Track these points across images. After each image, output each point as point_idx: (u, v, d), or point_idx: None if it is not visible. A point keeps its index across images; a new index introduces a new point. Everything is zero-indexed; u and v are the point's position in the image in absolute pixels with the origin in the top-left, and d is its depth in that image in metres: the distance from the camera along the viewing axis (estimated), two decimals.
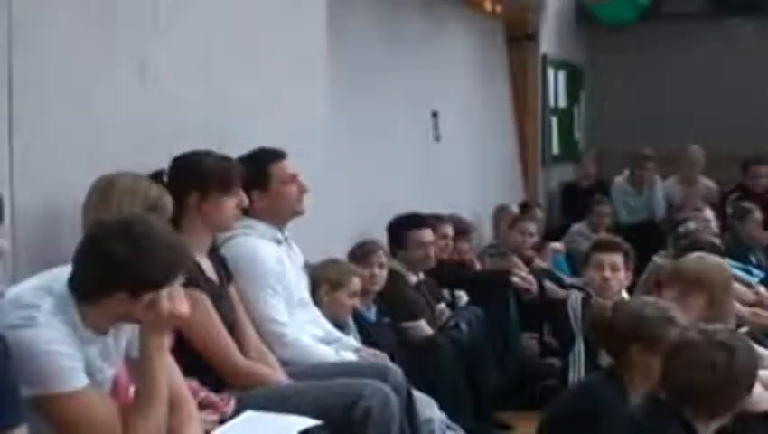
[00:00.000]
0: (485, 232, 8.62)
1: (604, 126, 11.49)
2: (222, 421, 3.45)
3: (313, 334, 4.43)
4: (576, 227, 9.21)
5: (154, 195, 3.54)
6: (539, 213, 8.91)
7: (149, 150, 4.02)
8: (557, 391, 5.35)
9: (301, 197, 4.44)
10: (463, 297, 6.54)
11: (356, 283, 5.03)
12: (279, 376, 3.99)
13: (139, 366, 2.97)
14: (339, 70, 5.98)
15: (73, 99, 3.73)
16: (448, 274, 6.61)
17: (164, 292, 2.88)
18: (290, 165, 4.43)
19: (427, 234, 6.15)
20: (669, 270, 4.71)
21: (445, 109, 8.13)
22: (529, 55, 10.10)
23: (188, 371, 3.36)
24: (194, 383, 3.55)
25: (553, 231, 9.33)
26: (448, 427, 4.86)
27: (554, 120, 10.64)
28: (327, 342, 4.47)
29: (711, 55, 11.08)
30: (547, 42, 10.36)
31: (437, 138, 8.01)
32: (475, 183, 8.76)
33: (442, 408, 4.87)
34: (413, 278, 6.12)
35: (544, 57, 10.28)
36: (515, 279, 6.91)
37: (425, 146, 7.83)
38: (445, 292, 6.50)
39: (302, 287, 4.54)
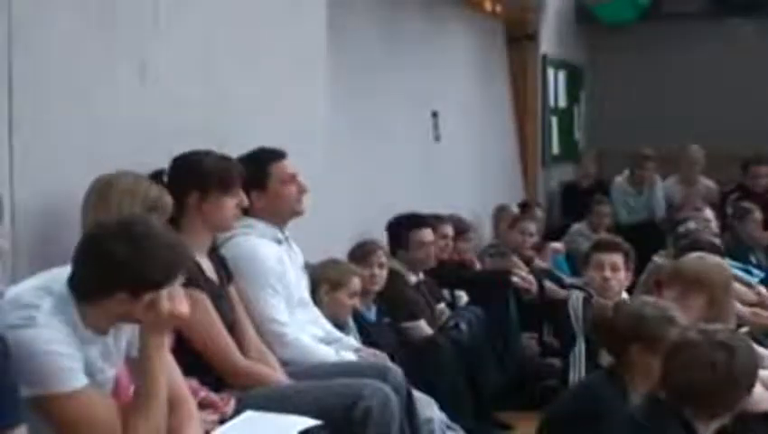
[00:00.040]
0: (485, 232, 8.62)
1: (604, 126, 11.49)
2: (222, 421, 3.44)
3: (313, 334, 4.42)
4: (576, 227, 9.21)
5: (154, 195, 3.54)
6: (539, 213, 8.91)
7: (149, 150, 4.02)
8: (558, 391, 5.35)
9: (300, 197, 4.44)
10: (463, 297, 6.54)
11: (356, 283, 5.03)
12: (279, 376, 3.99)
13: (139, 366, 2.97)
14: (339, 70, 5.98)
15: (73, 99, 3.72)
16: (448, 274, 6.61)
17: (164, 292, 2.88)
18: (290, 164, 4.43)
19: (427, 234, 6.15)
20: (670, 270, 4.71)
21: (445, 109, 8.13)
22: (529, 55, 10.10)
23: (188, 371, 3.36)
24: (194, 383, 3.55)
25: (553, 231, 9.33)
26: (448, 427, 4.86)
27: (554, 120, 10.64)
28: (327, 342, 4.47)
29: (711, 55, 11.08)
30: (547, 42, 10.36)
31: (437, 138, 8.01)
32: (475, 184, 8.76)
33: (442, 408, 4.87)
34: (413, 278, 6.12)
35: (544, 57, 10.28)
36: (515, 279, 6.91)
37: (425, 146, 7.83)
38: (445, 292, 6.50)
39: (302, 286, 4.54)
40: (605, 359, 4.14)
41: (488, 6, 9.04)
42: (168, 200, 3.58)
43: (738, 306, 5.06)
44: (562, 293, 6.68)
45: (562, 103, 10.92)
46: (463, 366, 5.56)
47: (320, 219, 5.05)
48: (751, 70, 10.94)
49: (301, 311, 4.46)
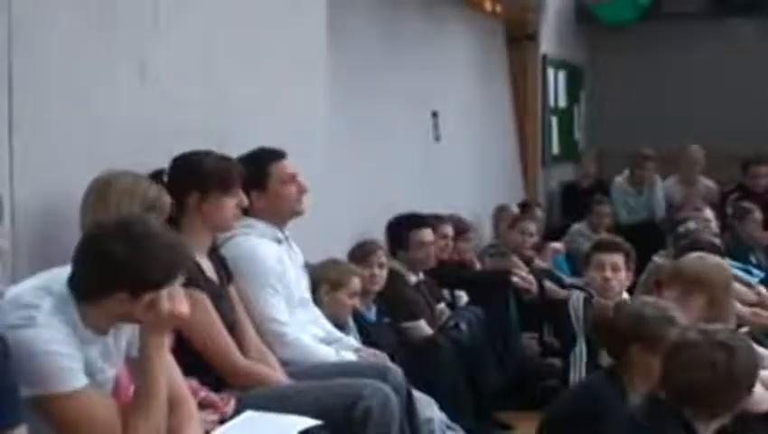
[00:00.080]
0: (485, 232, 8.62)
1: (604, 126, 11.49)
2: (222, 421, 3.44)
3: (313, 334, 4.42)
4: (576, 227, 9.21)
5: (153, 195, 3.54)
6: (539, 213, 8.91)
7: (149, 150, 4.02)
8: (558, 391, 5.35)
9: (300, 197, 4.44)
10: (463, 297, 6.53)
11: (356, 283, 5.03)
12: (279, 376, 3.98)
13: (139, 366, 2.97)
14: (339, 70, 5.97)
15: (73, 99, 3.72)
16: (448, 274, 6.61)
17: (164, 292, 2.88)
18: (290, 164, 4.43)
19: (427, 234, 6.15)
20: (670, 270, 4.71)
21: (445, 109, 8.13)
22: (529, 55, 10.10)
23: (188, 371, 3.36)
24: (194, 383, 3.55)
25: (553, 231, 9.33)
26: (448, 427, 4.86)
27: (554, 120, 10.64)
28: (327, 342, 4.47)
29: (711, 55, 11.08)
30: (547, 42, 10.36)
31: (437, 138, 8.01)
32: (475, 184, 8.76)
33: (442, 408, 4.87)
34: (413, 278, 6.12)
35: (544, 57, 10.28)
36: (515, 279, 6.91)
37: (425, 146, 7.83)
38: (445, 292, 6.50)
39: (302, 286, 4.53)
40: (606, 359, 4.14)
41: (488, 6, 9.04)
42: (167, 199, 3.58)
43: (738, 306, 5.06)
44: (562, 293, 6.68)
45: (562, 103, 10.92)
46: (463, 366, 5.56)
47: (320, 219, 5.05)
48: (751, 70, 10.93)
49: (301, 311, 4.46)
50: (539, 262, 7.89)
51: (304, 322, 4.43)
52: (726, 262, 5.15)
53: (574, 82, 11.30)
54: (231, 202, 3.94)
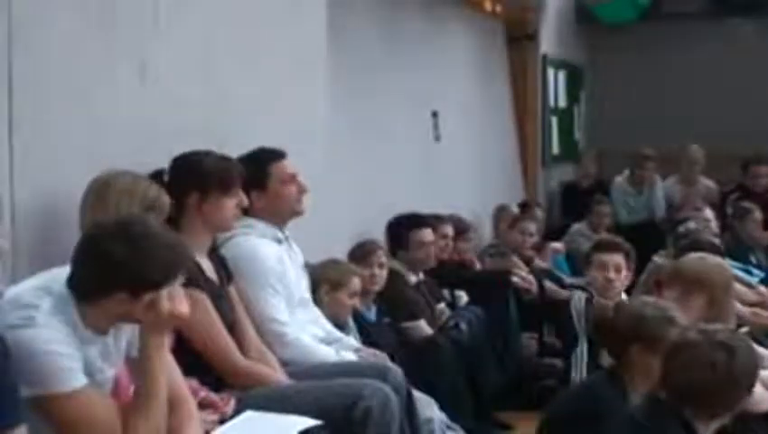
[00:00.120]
0: (485, 232, 8.62)
1: (604, 126, 11.49)
2: (222, 421, 3.44)
3: (313, 334, 4.42)
4: (576, 227, 9.21)
5: (153, 195, 3.53)
6: (539, 213, 8.91)
7: (149, 150, 4.02)
8: (556, 391, 5.35)
9: (300, 197, 4.44)
10: (463, 297, 6.53)
11: (356, 283, 5.03)
12: (279, 376, 3.98)
13: (139, 366, 2.97)
14: (339, 70, 5.97)
15: (73, 99, 3.72)
16: (448, 274, 6.61)
17: (164, 292, 2.88)
18: (289, 164, 4.43)
19: (428, 234, 6.15)
20: (670, 270, 4.71)
21: (445, 109, 8.13)
22: (529, 55, 10.10)
23: (188, 371, 3.36)
24: (194, 383, 3.55)
25: (553, 231, 9.34)
26: (448, 427, 4.86)
27: (554, 120, 10.64)
28: (327, 342, 4.47)
29: (711, 55, 11.08)
30: (547, 42, 10.36)
31: (437, 138, 8.01)
32: (475, 184, 8.76)
33: (442, 408, 4.87)
34: (413, 278, 6.12)
35: (544, 57, 10.28)
36: (515, 279, 6.90)
37: (425, 146, 7.83)
38: (445, 292, 6.50)
39: (302, 286, 4.53)
40: (607, 360, 4.14)
41: (488, 6, 9.04)
42: (166, 199, 3.58)
43: (738, 306, 5.06)
44: (562, 293, 6.69)
45: (562, 103, 10.92)
46: (463, 366, 5.56)
47: (320, 219, 5.05)
48: (751, 70, 10.93)
49: (301, 311, 4.46)
50: (539, 262, 7.89)
51: (304, 322, 4.43)
52: (727, 262, 5.15)
53: (574, 82, 11.30)
54: (231, 203, 3.94)
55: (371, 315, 5.50)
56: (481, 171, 8.92)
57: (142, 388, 2.94)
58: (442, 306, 6.28)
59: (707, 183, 10.08)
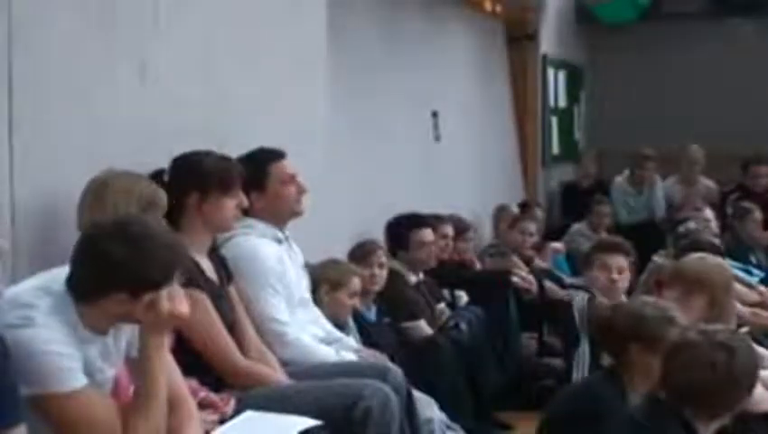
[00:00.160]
0: (485, 232, 8.62)
1: (604, 126, 11.49)
2: (222, 421, 3.44)
3: (313, 334, 4.42)
4: (576, 227, 9.21)
5: (149, 194, 3.53)
6: (539, 213, 8.91)
7: (149, 150, 4.02)
8: (555, 391, 5.35)
9: (300, 198, 4.44)
10: (463, 297, 6.53)
11: (356, 283, 5.03)
12: (279, 376, 3.98)
13: (138, 366, 2.97)
14: (339, 70, 5.97)
15: (73, 99, 3.72)
16: (448, 274, 6.61)
17: (164, 292, 2.88)
18: (289, 165, 4.42)
19: (428, 234, 6.15)
20: (671, 271, 4.71)
21: (445, 109, 8.13)
22: (529, 55, 10.10)
23: (188, 371, 3.36)
24: (194, 383, 3.54)
25: (553, 231, 9.34)
26: (448, 427, 4.86)
27: (554, 120, 10.64)
28: (327, 342, 4.47)
29: (711, 55, 11.08)
30: (547, 42, 10.36)
31: (437, 138, 8.02)
32: (475, 184, 8.76)
33: (442, 408, 4.87)
34: (413, 278, 6.12)
35: (544, 57, 10.27)
36: (515, 279, 6.90)
37: (425, 146, 7.83)
38: (445, 292, 6.50)
39: (302, 286, 4.53)
40: (608, 360, 4.13)
41: (488, 6, 9.04)
42: (162, 196, 3.57)
43: (738, 306, 5.06)
44: (562, 293, 6.68)
45: (562, 103, 10.92)
46: (463, 366, 5.56)
47: (320, 219, 5.05)
48: (751, 70, 10.93)
49: (301, 311, 4.45)
50: (539, 262, 7.89)
51: (304, 322, 4.43)
52: (727, 262, 5.15)
53: (574, 82, 11.30)
54: (231, 203, 3.93)
55: (371, 315, 5.50)
56: (481, 171, 8.92)
57: (142, 388, 2.94)
58: (442, 306, 6.28)
59: (707, 183, 10.08)
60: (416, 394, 4.39)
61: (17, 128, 3.41)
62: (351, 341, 4.74)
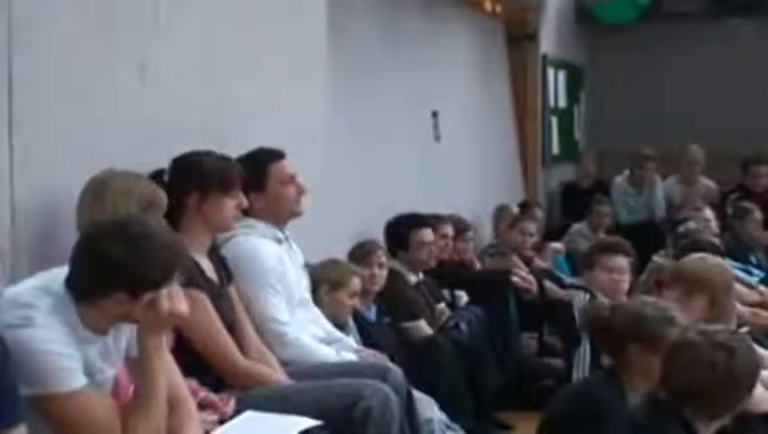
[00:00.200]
0: (485, 232, 8.62)
1: (604, 126, 11.49)
2: (222, 421, 3.44)
3: (313, 334, 4.42)
4: (576, 227, 9.21)
5: (149, 193, 3.53)
6: (539, 213, 8.91)
7: (149, 150, 4.02)
8: (555, 391, 5.34)
9: (299, 198, 4.44)
10: (463, 297, 6.53)
11: (356, 283, 5.03)
12: (279, 376, 3.98)
13: (138, 366, 2.97)
14: (339, 70, 5.97)
15: (73, 99, 3.72)
16: (448, 274, 6.61)
17: (164, 292, 2.88)
18: (289, 165, 4.42)
19: (428, 234, 6.15)
20: (671, 271, 4.71)
21: (445, 109, 8.13)
22: (529, 55, 10.10)
23: (188, 371, 3.36)
24: (194, 383, 3.54)
25: (553, 231, 9.34)
26: (448, 427, 4.86)
27: (554, 120, 10.64)
28: (328, 342, 4.47)
29: (711, 55, 11.08)
30: (547, 42, 10.36)
31: (437, 138, 8.02)
32: (475, 184, 8.76)
33: (442, 408, 4.87)
34: (413, 278, 6.12)
35: (544, 57, 10.28)
36: (515, 279, 6.90)
37: (425, 146, 7.83)
38: (445, 292, 6.50)
39: (302, 286, 4.53)
40: (608, 360, 4.13)
41: (488, 6, 9.04)
42: (161, 195, 3.57)
43: (738, 306, 5.06)
44: (562, 293, 6.68)
45: (562, 103, 10.92)
46: (463, 366, 5.56)
47: (320, 219, 5.05)
48: (751, 70, 10.93)
49: (301, 311, 4.45)
50: (539, 262, 7.89)
51: (304, 322, 4.43)
52: (727, 262, 5.15)
53: (574, 82, 11.30)
54: (231, 203, 3.93)
55: (371, 315, 5.50)
56: (481, 171, 8.92)
57: (141, 388, 2.94)
58: (442, 306, 6.28)
59: (707, 183, 10.08)
60: (416, 394, 4.39)
61: (17, 128, 3.41)
62: (351, 341, 4.74)
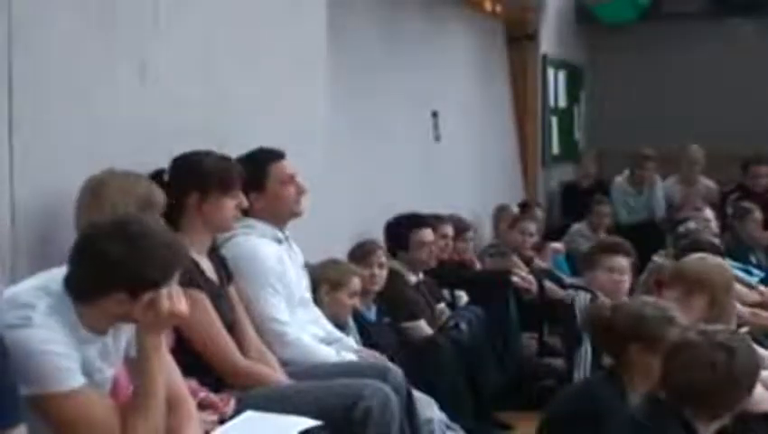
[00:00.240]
0: (485, 232, 8.62)
1: (604, 126, 11.49)
2: (222, 421, 3.44)
3: (313, 334, 4.42)
4: (576, 227, 9.22)
5: (147, 192, 3.52)
6: (539, 213, 8.91)
7: (149, 150, 4.02)
8: (555, 391, 5.34)
9: (299, 198, 4.43)
10: (463, 297, 6.53)
11: (356, 283, 5.03)
12: (279, 376, 3.98)
13: (137, 366, 2.97)
14: (339, 70, 5.97)
15: (73, 99, 3.72)
16: (448, 274, 6.61)
17: (164, 291, 2.88)
18: (289, 165, 4.42)
19: (428, 234, 6.15)
20: (671, 271, 4.71)
21: (445, 109, 8.13)
22: (529, 55, 10.10)
23: (188, 371, 3.36)
24: (194, 383, 3.54)
25: (553, 231, 9.34)
26: (448, 427, 4.86)
27: (554, 120, 10.64)
28: (328, 342, 4.47)
29: (711, 55, 11.09)
30: (547, 42, 10.36)
31: (437, 138, 8.02)
32: (475, 184, 8.76)
33: (442, 408, 4.87)
34: (413, 278, 6.12)
35: (544, 57, 10.28)
36: (515, 279, 6.90)
37: (425, 146, 7.83)
38: (445, 292, 6.50)
39: (302, 286, 4.53)
40: (608, 360, 4.13)
41: (488, 6, 9.04)
42: (159, 194, 3.56)
43: (738, 306, 5.06)
44: (562, 293, 6.68)
45: (562, 103, 10.92)
46: (463, 366, 5.56)
47: (320, 219, 5.05)
48: (751, 70, 10.93)
49: (302, 311, 4.45)
50: (539, 262, 7.89)
51: (304, 322, 4.43)
52: (727, 263, 5.15)
53: (574, 82, 11.30)
54: (231, 203, 3.93)
55: (371, 315, 5.50)
56: (481, 171, 8.92)
57: (140, 388, 2.94)
58: (442, 306, 6.28)
59: (707, 183, 10.08)
60: (416, 394, 4.39)
61: (17, 128, 3.41)
62: (351, 341, 4.74)
